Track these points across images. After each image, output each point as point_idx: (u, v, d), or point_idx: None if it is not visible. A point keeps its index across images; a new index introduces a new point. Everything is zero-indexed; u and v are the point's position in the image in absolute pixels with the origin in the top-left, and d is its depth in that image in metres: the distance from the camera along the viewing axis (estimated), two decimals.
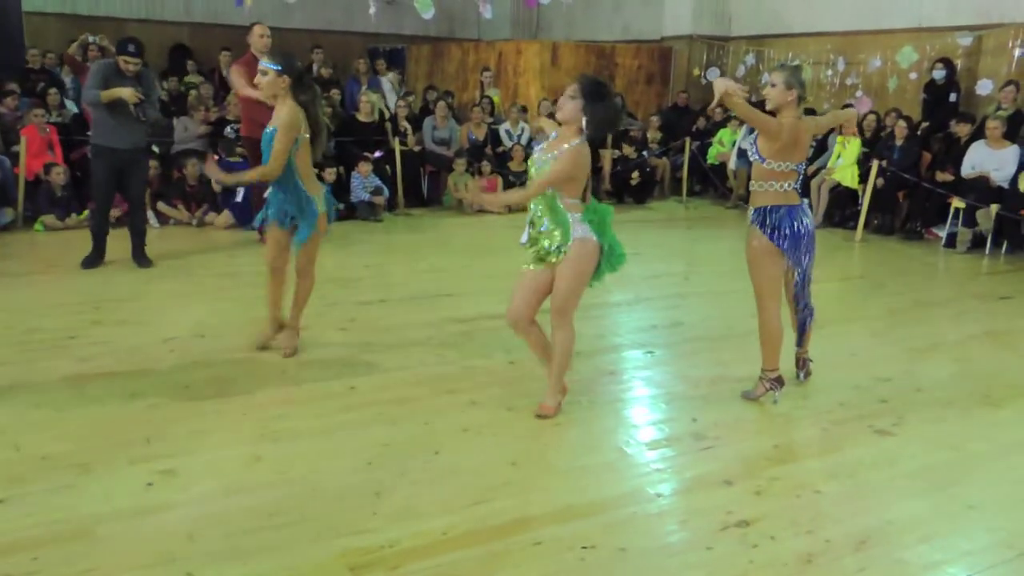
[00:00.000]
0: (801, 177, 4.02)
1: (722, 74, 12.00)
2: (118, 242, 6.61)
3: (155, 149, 6.38)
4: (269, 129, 4.18)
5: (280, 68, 4.11)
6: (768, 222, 3.90)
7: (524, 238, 3.75)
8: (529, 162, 3.78)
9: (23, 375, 4.17)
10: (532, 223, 3.71)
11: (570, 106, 3.53)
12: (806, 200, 4.08)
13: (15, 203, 7.84)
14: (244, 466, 3.30)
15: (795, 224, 3.90)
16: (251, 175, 4.67)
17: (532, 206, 3.70)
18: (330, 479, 3.20)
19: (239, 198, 8.20)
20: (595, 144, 10.94)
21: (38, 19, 11.38)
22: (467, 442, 3.57)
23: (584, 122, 3.51)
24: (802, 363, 4.33)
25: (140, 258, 6.50)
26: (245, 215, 7.92)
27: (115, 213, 7.08)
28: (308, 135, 4.22)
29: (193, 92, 9.52)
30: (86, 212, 7.83)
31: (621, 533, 2.91)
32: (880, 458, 3.56)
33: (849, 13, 10.67)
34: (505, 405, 3.96)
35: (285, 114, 4.11)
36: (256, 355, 4.56)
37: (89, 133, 8.43)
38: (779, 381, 4.09)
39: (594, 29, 13.88)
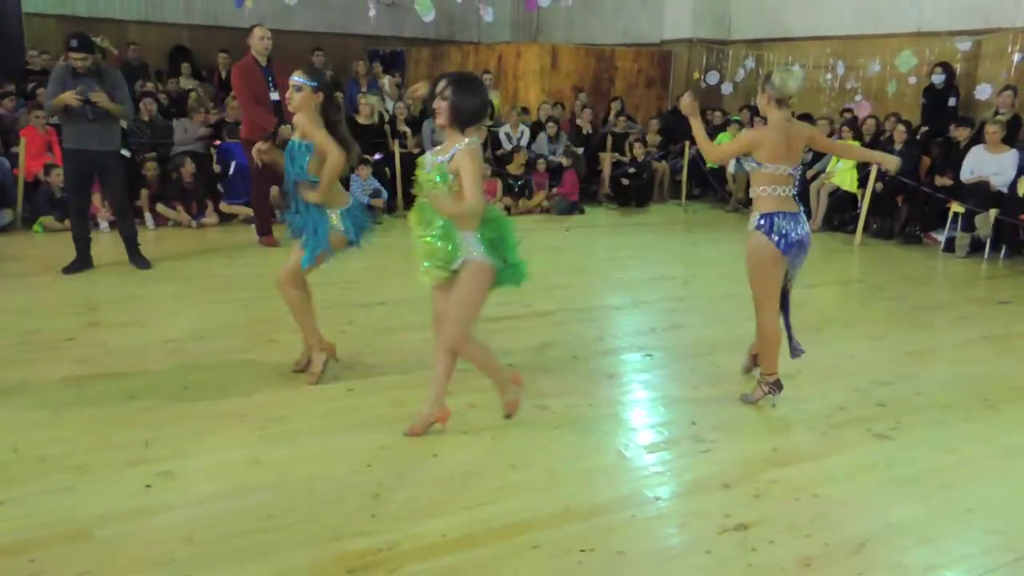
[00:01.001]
0: (798, 183, 4.02)
1: (721, 79, 12.04)
2: (116, 245, 6.62)
3: (125, 152, 6.22)
4: (297, 141, 3.94)
5: (316, 85, 3.91)
6: (775, 228, 3.89)
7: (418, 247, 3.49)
8: (418, 163, 3.52)
9: (21, 376, 4.17)
10: (424, 236, 3.45)
11: (443, 106, 3.31)
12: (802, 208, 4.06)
13: (14, 204, 7.84)
14: (243, 468, 3.29)
15: (799, 231, 3.91)
16: (326, 178, 3.94)
17: (427, 211, 3.43)
18: (329, 481, 3.20)
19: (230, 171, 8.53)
20: (594, 148, 11.06)
21: (38, 21, 11.40)
22: (466, 445, 3.57)
23: (450, 114, 3.30)
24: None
25: (136, 259, 6.43)
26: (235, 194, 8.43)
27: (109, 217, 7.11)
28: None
29: (193, 94, 9.52)
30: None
31: (620, 536, 2.91)
32: (879, 461, 3.56)
33: (849, 17, 10.70)
34: (503, 408, 3.95)
35: (303, 119, 3.90)
36: (254, 357, 4.56)
37: None
38: (778, 385, 4.09)
39: (594, 32, 13.91)
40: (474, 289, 3.45)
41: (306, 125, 3.92)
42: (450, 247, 3.40)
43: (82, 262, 6.26)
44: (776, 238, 3.89)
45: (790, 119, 3.95)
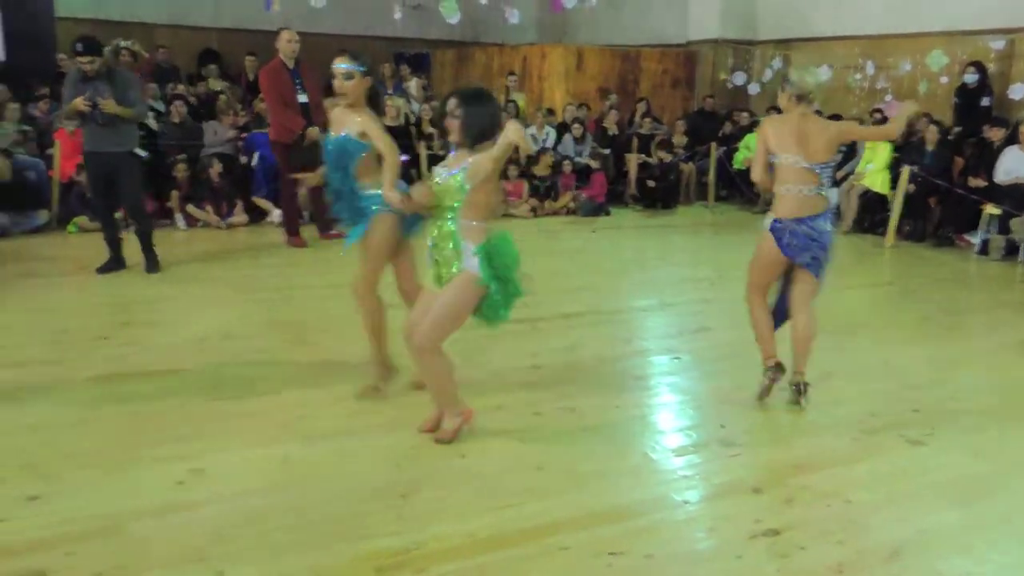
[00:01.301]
0: (827, 181, 4.02)
1: (748, 79, 11.94)
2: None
3: (140, 153, 6.10)
4: (341, 135, 3.70)
5: (365, 69, 3.71)
6: (784, 241, 3.95)
7: (429, 246, 3.46)
8: (431, 175, 3.49)
9: (57, 374, 4.23)
10: (434, 244, 3.42)
11: (454, 124, 3.29)
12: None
13: (49, 205, 7.97)
14: (272, 466, 3.32)
15: (815, 232, 3.96)
16: (388, 177, 3.68)
17: (434, 228, 3.42)
18: (357, 480, 3.21)
19: (254, 162, 8.69)
20: (620, 149, 11.03)
21: (70, 24, 11.55)
22: (493, 446, 3.57)
23: (462, 131, 3.28)
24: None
25: (147, 260, 6.36)
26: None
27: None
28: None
29: (222, 96, 9.62)
30: (117, 213, 7.96)
31: (648, 540, 2.89)
32: (912, 468, 3.51)
33: (878, 16, 10.56)
34: (532, 409, 3.95)
35: (367, 117, 3.70)
36: (283, 356, 4.59)
37: None
38: (778, 368, 4.09)
39: (619, 33, 13.85)
40: (459, 298, 3.35)
41: (366, 120, 3.68)
42: (457, 257, 3.33)
43: (116, 262, 6.35)
44: (783, 245, 3.93)
45: (806, 114, 3.95)
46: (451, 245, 3.34)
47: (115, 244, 6.36)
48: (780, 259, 3.99)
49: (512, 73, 11.78)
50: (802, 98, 3.91)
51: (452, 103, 3.30)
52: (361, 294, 3.90)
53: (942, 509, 3.17)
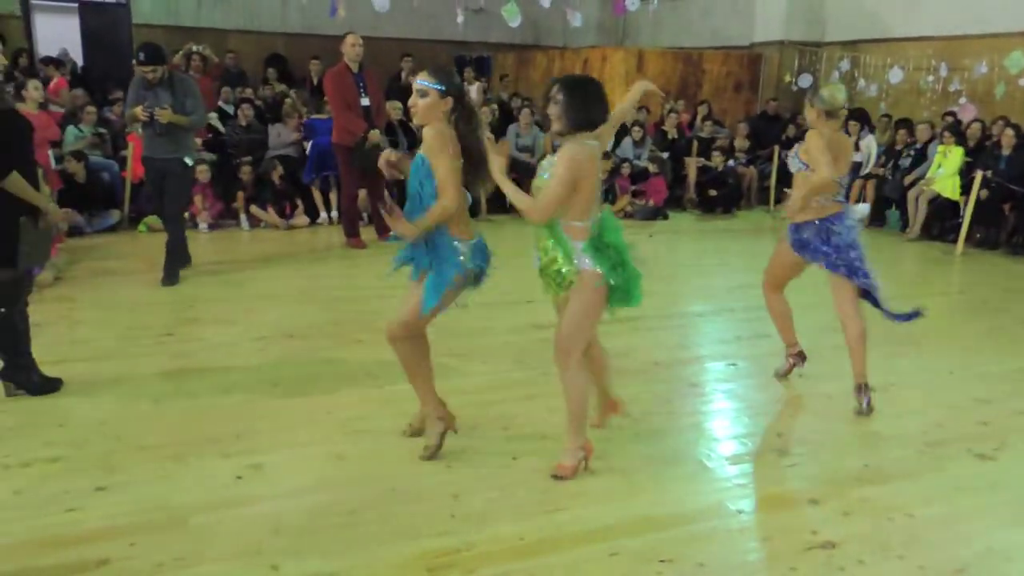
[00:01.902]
0: (844, 188, 4.28)
1: (814, 82, 11.67)
2: (213, 243, 6.89)
3: (189, 162, 6.08)
4: (421, 156, 3.19)
5: (444, 88, 3.14)
6: (801, 243, 4.17)
7: (535, 262, 3.29)
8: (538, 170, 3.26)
9: (124, 369, 4.39)
10: (539, 248, 3.25)
11: (554, 111, 3.09)
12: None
13: (121, 205, 8.27)
14: (328, 463, 3.38)
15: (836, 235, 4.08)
16: (428, 219, 3.17)
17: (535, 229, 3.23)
18: (410, 480, 3.25)
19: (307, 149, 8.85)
20: (680, 153, 10.90)
21: (146, 31, 11.98)
22: (545, 449, 3.56)
23: (564, 119, 3.07)
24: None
25: (169, 272, 6.14)
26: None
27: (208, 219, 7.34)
28: (460, 161, 3.17)
29: (288, 100, 9.84)
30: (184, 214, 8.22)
31: (700, 548, 2.85)
32: (980, 483, 3.38)
33: (953, 16, 10.21)
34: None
35: (431, 136, 3.13)
36: (340, 356, 4.67)
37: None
38: (801, 356, 4.45)
39: (682, 35, 13.70)
40: (586, 303, 3.15)
41: (432, 146, 3.12)
42: (563, 256, 3.15)
43: (182, 262, 6.40)
44: (794, 241, 4.19)
45: (838, 130, 4.13)
46: (557, 249, 3.15)
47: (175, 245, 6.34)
48: (794, 258, 4.20)
49: None
50: (832, 114, 4.01)
51: (554, 89, 3.10)
52: (400, 336, 3.40)
53: (1010, 526, 3.05)
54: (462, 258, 3.21)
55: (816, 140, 3.96)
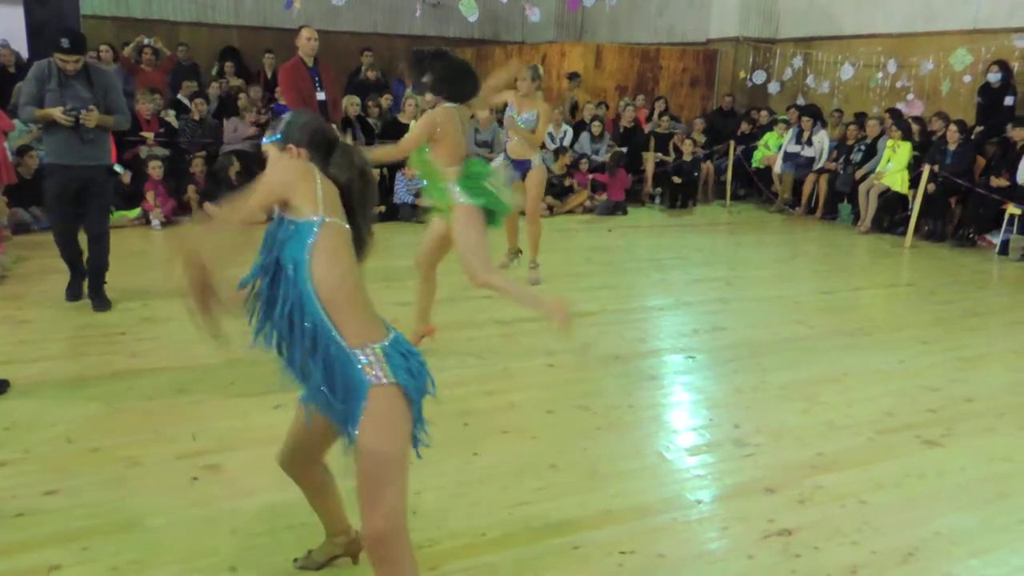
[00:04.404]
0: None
1: (768, 78, 11.87)
2: (167, 240, 6.73)
3: (118, 170, 5.28)
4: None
5: (280, 138, 2.22)
6: None
7: (422, 183, 4.66)
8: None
9: (76, 370, 4.29)
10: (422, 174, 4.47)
11: (427, 82, 4.20)
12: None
13: None
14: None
15: None
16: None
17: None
18: None
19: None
20: (637, 148, 10.99)
21: (95, 22, 11.69)
22: (506, 444, 3.58)
23: (430, 87, 4.13)
24: None
25: (98, 298, 5.35)
26: None
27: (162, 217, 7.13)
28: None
29: (243, 95, 9.69)
30: (137, 210, 8.04)
31: (660, 539, 2.89)
32: (928, 469, 3.48)
33: (902, 14, 10.46)
34: (544, 407, 3.96)
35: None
36: None
37: (143, 134, 8.72)
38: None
39: (639, 31, 13.81)
40: (466, 226, 4.06)
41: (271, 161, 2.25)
42: (440, 191, 4.15)
43: (80, 283, 5.49)
44: None
45: None
46: (434, 182, 4.19)
47: (78, 264, 5.45)
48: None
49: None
50: None
51: (426, 64, 4.19)
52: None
53: (958, 511, 3.14)
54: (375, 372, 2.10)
55: None
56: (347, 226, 2.12)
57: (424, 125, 4.14)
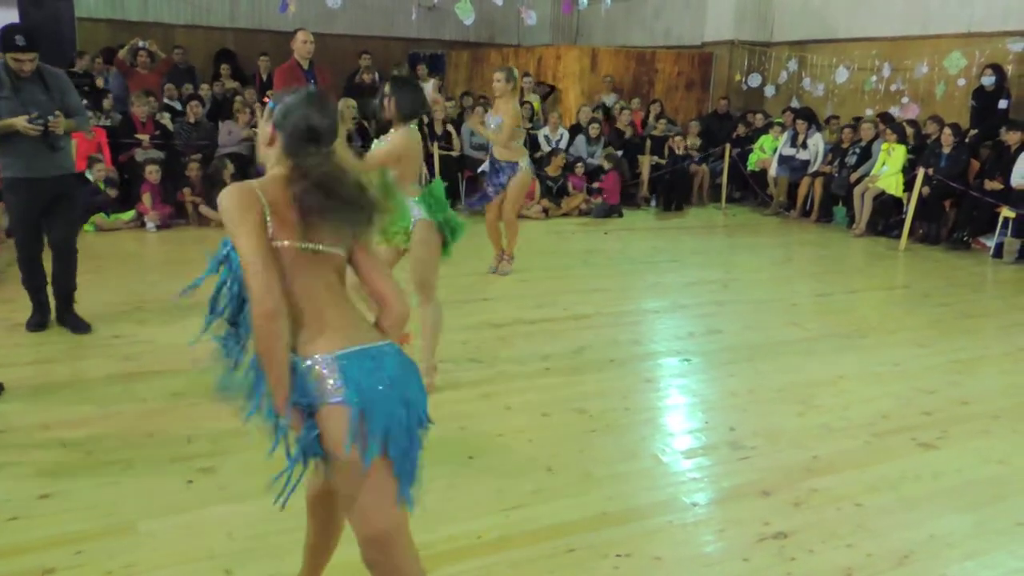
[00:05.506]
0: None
1: (763, 81, 11.90)
2: (163, 243, 6.72)
3: (89, 177, 4.86)
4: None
5: (273, 107, 2.17)
6: None
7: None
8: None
9: (70, 373, 4.27)
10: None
11: (388, 104, 3.96)
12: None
13: None
14: (280, 466, 3.32)
15: None
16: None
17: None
18: None
19: None
20: (633, 151, 11.00)
21: (89, 24, 11.69)
22: (502, 447, 3.57)
23: (395, 110, 3.96)
24: None
25: (70, 319, 4.96)
26: None
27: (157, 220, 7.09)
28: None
29: (239, 98, 9.68)
30: (131, 212, 8.02)
31: (656, 542, 2.89)
32: (924, 472, 3.48)
33: (896, 18, 10.49)
34: (540, 410, 3.96)
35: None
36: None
37: (138, 136, 8.70)
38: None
39: (635, 34, 13.84)
40: (424, 244, 3.97)
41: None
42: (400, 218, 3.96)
43: (42, 312, 4.99)
44: None
45: None
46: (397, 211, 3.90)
47: (40, 292, 4.95)
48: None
49: (527, 74, 11.77)
50: None
51: (386, 87, 4.00)
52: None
53: (953, 513, 3.14)
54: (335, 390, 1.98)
55: None
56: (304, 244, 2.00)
57: (397, 148, 3.94)
